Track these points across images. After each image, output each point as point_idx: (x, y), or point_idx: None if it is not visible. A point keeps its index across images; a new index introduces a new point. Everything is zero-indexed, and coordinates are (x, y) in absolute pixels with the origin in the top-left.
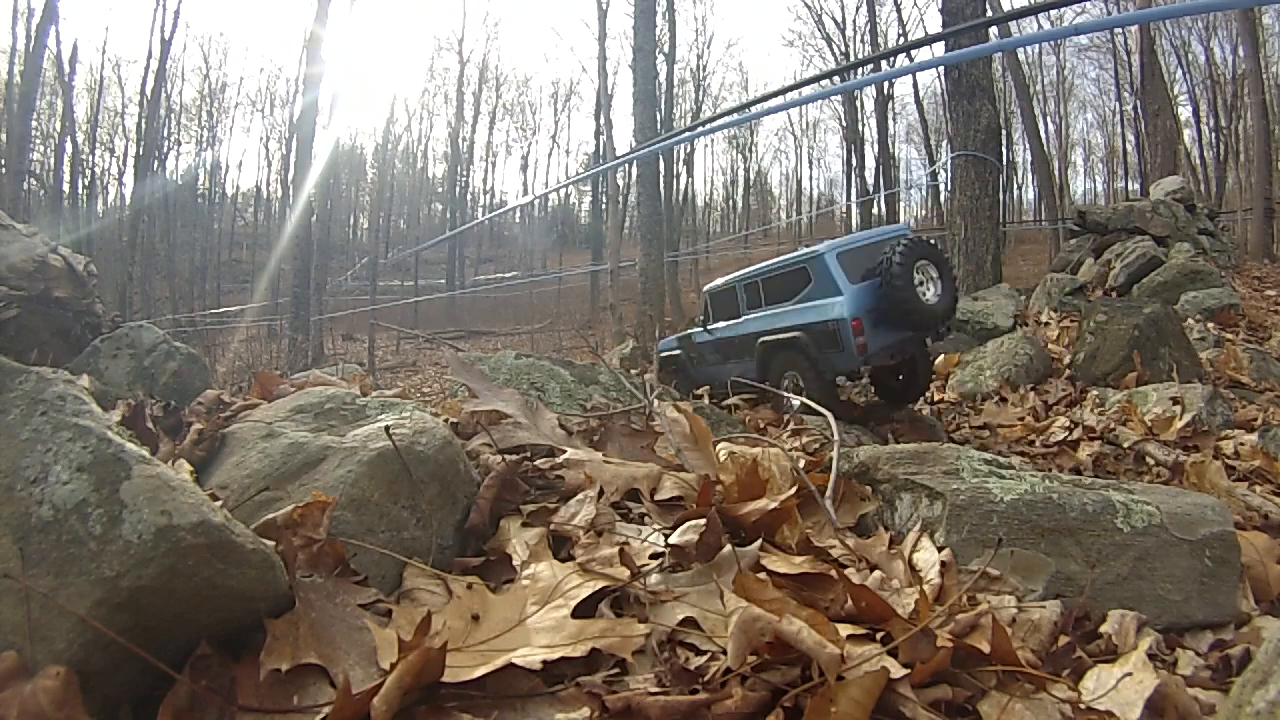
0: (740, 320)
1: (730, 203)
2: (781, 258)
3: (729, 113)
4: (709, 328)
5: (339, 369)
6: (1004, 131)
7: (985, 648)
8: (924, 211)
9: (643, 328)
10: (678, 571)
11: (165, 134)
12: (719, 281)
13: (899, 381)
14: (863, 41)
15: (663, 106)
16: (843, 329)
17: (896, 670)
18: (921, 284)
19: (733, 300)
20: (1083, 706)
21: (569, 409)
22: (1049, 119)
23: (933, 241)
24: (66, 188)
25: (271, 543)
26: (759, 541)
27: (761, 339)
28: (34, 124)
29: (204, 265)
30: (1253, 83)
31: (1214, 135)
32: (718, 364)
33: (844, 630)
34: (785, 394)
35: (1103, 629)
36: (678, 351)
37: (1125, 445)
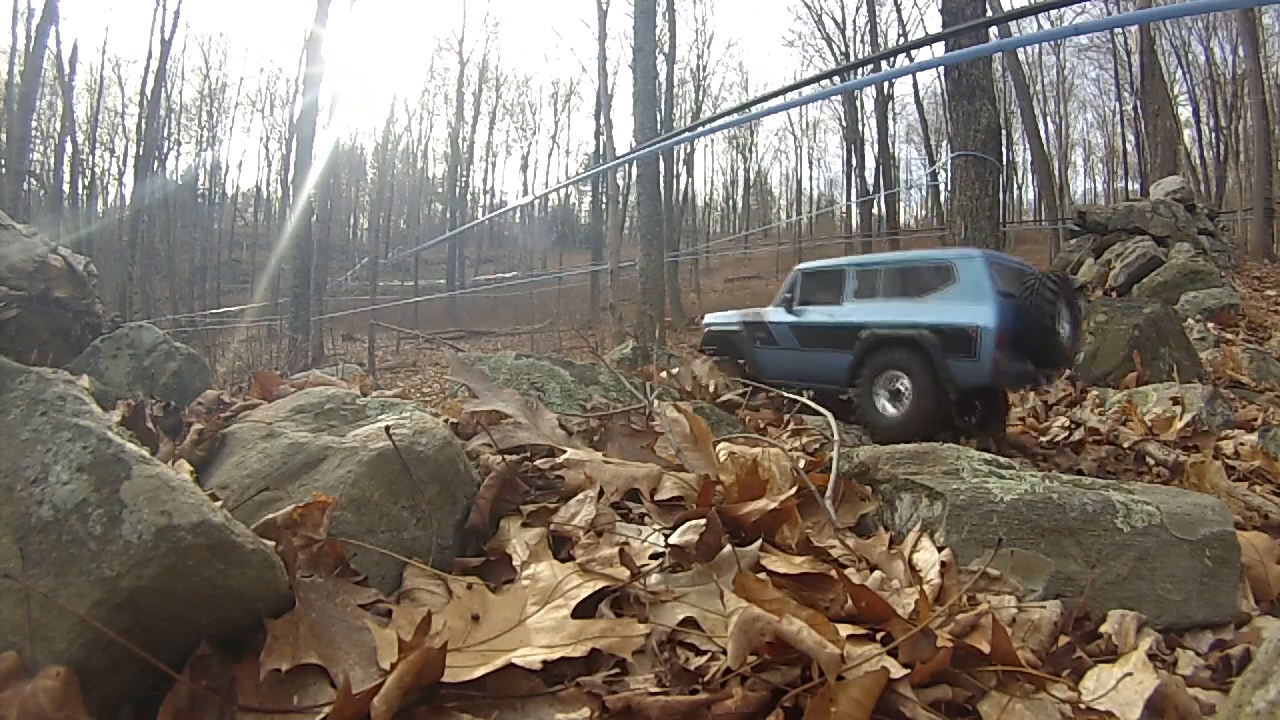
0: (842, 307)
1: (730, 203)
2: (920, 252)
3: (729, 113)
4: (795, 309)
5: (339, 369)
6: (1004, 131)
7: (985, 648)
8: (924, 211)
9: (643, 328)
10: (678, 571)
11: (165, 134)
12: (820, 262)
13: (976, 410)
14: (863, 41)
15: (663, 106)
16: (983, 337)
17: (896, 670)
18: (1059, 317)
19: (837, 285)
20: (1083, 706)
21: (569, 409)
22: (1049, 119)
23: (1069, 278)
24: (66, 188)
25: (271, 543)
26: (759, 541)
27: (868, 330)
28: (34, 124)
29: (204, 265)
30: (1253, 83)
31: (1214, 135)
32: (793, 351)
33: (844, 630)
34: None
35: (1103, 629)
36: (736, 329)
37: (1125, 445)
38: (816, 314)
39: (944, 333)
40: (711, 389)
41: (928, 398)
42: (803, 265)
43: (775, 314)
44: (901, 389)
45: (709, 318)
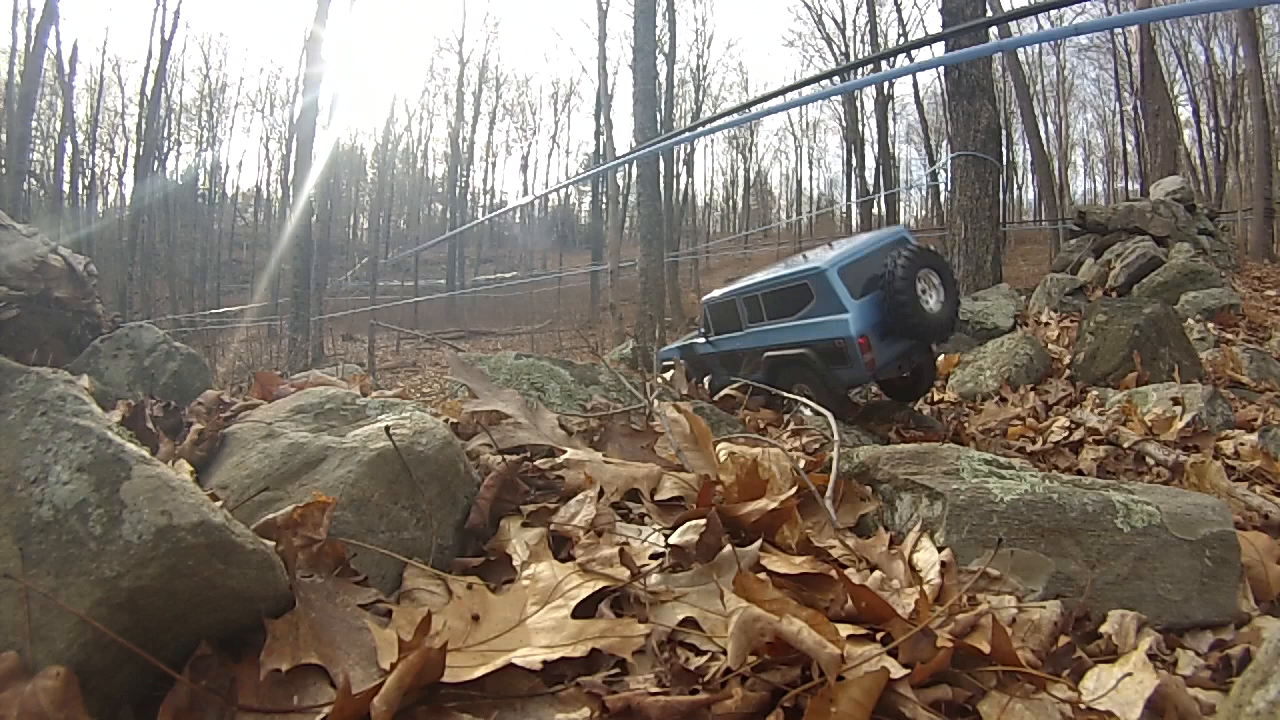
0: (742, 333)
1: (730, 203)
2: (780, 272)
3: (729, 113)
4: (710, 339)
5: (339, 369)
6: (1004, 131)
7: (985, 648)
8: (924, 211)
9: (643, 328)
10: (678, 571)
11: (165, 134)
12: (716, 293)
13: (904, 381)
14: (863, 41)
15: (663, 106)
16: (850, 347)
17: (896, 670)
18: (925, 293)
19: (733, 313)
20: (1083, 706)
21: (569, 409)
22: (1049, 119)
23: (933, 248)
24: (66, 188)
25: (271, 543)
26: (759, 541)
27: (767, 354)
28: (34, 124)
29: (204, 265)
30: (1253, 83)
31: (1214, 135)
32: (722, 375)
33: (844, 630)
34: (796, 398)
35: (1103, 629)
36: (678, 358)
37: (1125, 445)
38: (726, 341)
39: (819, 348)
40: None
41: (831, 399)
42: (705, 297)
43: (701, 344)
44: (810, 396)
45: (663, 351)
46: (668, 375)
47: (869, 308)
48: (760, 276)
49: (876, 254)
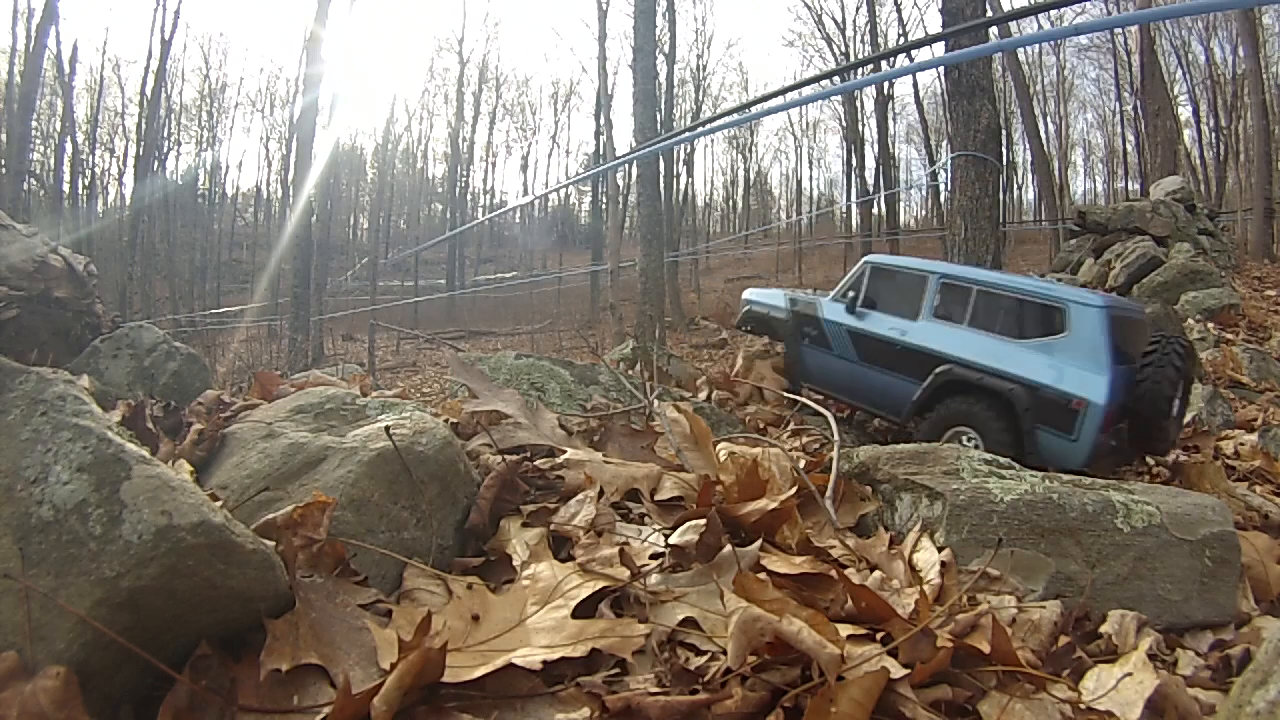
0: (917, 324)
1: (730, 203)
2: (1028, 279)
3: (729, 113)
4: (857, 310)
5: (339, 369)
6: (1004, 131)
7: (985, 648)
8: (924, 211)
9: (643, 328)
10: (678, 571)
11: (165, 134)
12: (898, 259)
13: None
14: (863, 41)
15: (663, 106)
16: (1089, 413)
17: (896, 670)
18: (1177, 399)
19: (915, 293)
20: (1083, 706)
21: (569, 409)
22: (1049, 119)
23: (1193, 348)
24: (66, 188)
25: (271, 543)
26: (759, 542)
27: (946, 367)
28: (34, 124)
29: (204, 265)
30: (1253, 83)
31: (1214, 135)
32: (847, 362)
33: (844, 630)
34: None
35: (1103, 629)
36: (782, 314)
37: None
38: (884, 325)
39: (1041, 394)
40: (747, 390)
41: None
42: (873, 258)
43: (832, 310)
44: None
45: (749, 293)
46: (747, 356)
47: (1122, 380)
48: (981, 272)
49: (1134, 322)
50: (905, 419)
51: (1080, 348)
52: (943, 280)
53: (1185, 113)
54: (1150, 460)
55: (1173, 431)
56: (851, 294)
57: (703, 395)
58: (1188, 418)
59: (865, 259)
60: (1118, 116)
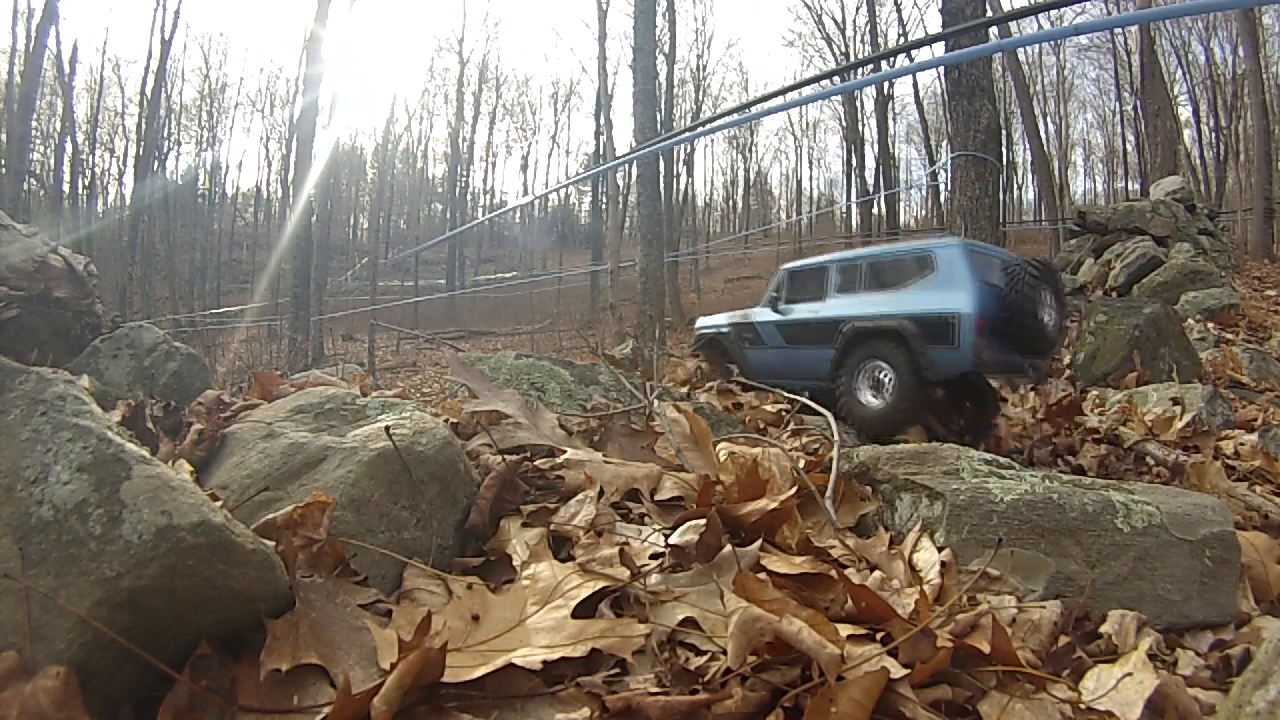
0: (824, 303)
1: (730, 203)
2: (897, 246)
3: (729, 113)
4: (780, 308)
5: (339, 369)
6: (1004, 131)
7: (985, 648)
8: (924, 211)
9: (643, 328)
10: (678, 571)
11: (165, 134)
12: (804, 261)
13: (966, 409)
14: (863, 41)
15: (663, 106)
16: (963, 323)
17: (896, 670)
18: (1042, 309)
19: (820, 282)
20: (1083, 706)
21: (569, 409)
22: (1049, 119)
23: (1054, 266)
24: (66, 188)
25: (271, 543)
26: (759, 541)
27: (850, 324)
28: (34, 124)
29: (204, 265)
30: (1253, 83)
31: (1214, 135)
32: (779, 349)
33: (844, 630)
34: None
35: (1103, 629)
36: (725, 330)
37: (1125, 445)
38: (801, 311)
39: (923, 321)
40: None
41: (910, 387)
42: (788, 265)
43: (762, 314)
44: (884, 380)
45: (700, 321)
46: (688, 363)
47: (990, 298)
48: (865, 250)
49: (998, 258)
50: (830, 378)
51: (948, 278)
52: (839, 265)
53: (1185, 113)
54: (1033, 368)
55: (1050, 335)
56: (774, 296)
57: (702, 395)
58: (1186, 418)
59: (782, 268)
60: (1118, 116)
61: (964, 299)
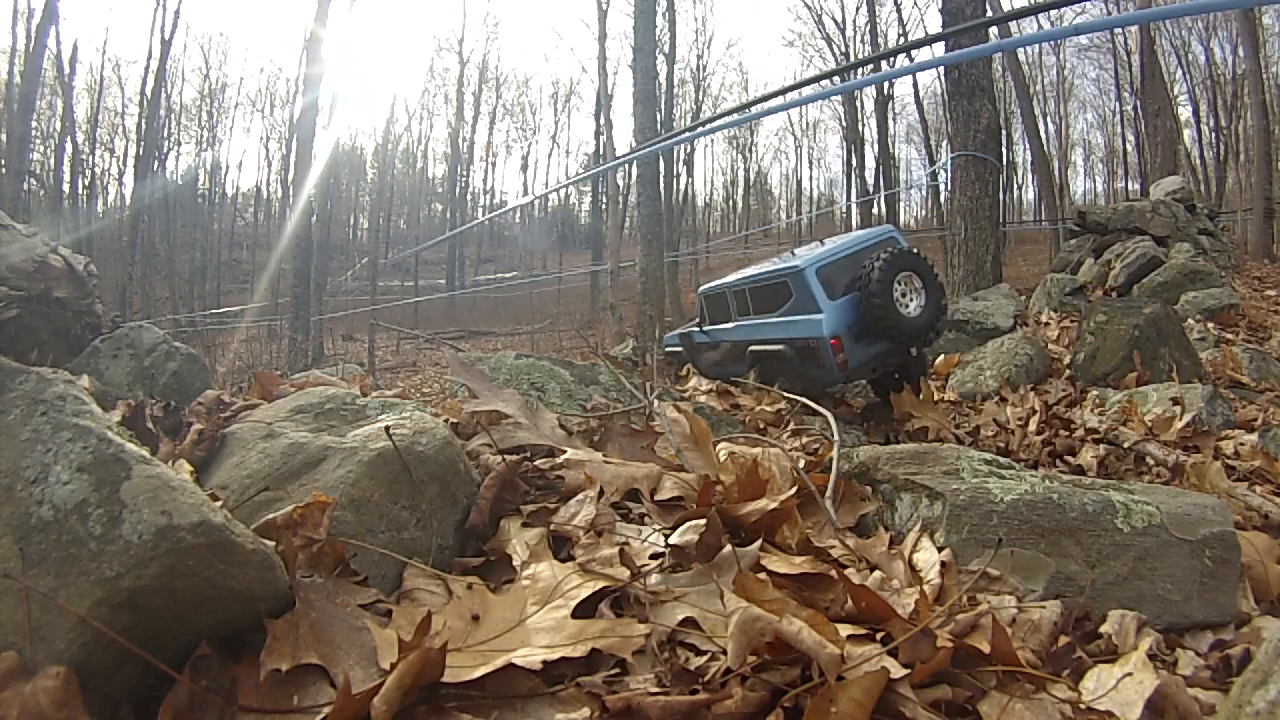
0: (731, 326)
1: (730, 203)
2: (763, 268)
3: (729, 113)
4: (704, 329)
5: (339, 369)
6: (1004, 131)
7: (985, 648)
8: (924, 211)
9: (643, 328)
10: (678, 571)
11: (165, 134)
12: (712, 284)
13: (894, 383)
14: (863, 41)
15: (663, 106)
16: (822, 347)
17: (896, 670)
18: (904, 296)
19: (724, 305)
20: (1083, 706)
21: (569, 409)
22: (1049, 119)
23: (915, 250)
24: (66, 188)
25: (271, 543)
26: (759, 541)
27: (751, 347)
28: (34, 124)
29: (204, 265)
30: (1253, 83)
31: (1214, 135)
32: (715, 364)
33: (844, 630)
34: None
35: (1103, 629)
36: (679, 348)
37: (1125, 445)
38: (717, 333)
39: (795, 346)
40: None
41: (810, 392)
42: (702, 288)
43: (697, 335)
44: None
45: (667, 338)
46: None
47: (845, 309)
48: (748, 271)
49: (860, 253)
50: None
51: (804, 303)
52: (731, 290)
53: (1185, 113)
54: (912, 351)
55: (916, 324)
56: (699, 320)
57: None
58: (1186, 418)
59: (698, 290)
60: (1118, 116)
61: (817, 323)
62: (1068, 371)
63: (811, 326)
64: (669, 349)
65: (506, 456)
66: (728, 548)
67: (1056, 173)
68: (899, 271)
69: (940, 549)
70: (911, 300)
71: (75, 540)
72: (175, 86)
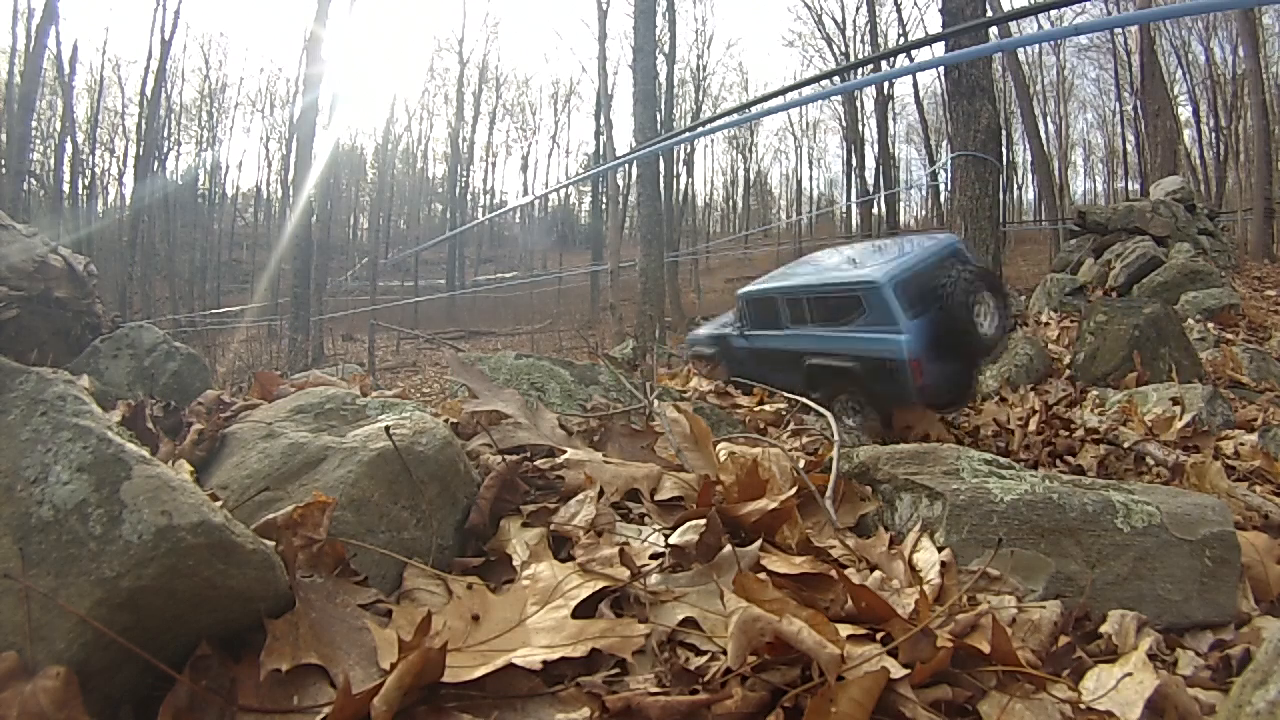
0: (783, 334)
1: (730, 203)
2: (829, 276)
3: (729, 113)
4: (747, 334)
5: (339, 369)
6: (1004, 131)
7: (985, 648)
8: (924, 211)
9: (643, 328)
10: (678, 571)
11: (165, 134)
12: (754, 287)
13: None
14: (863, 41)
15: (663, 106)
16: (901, 370)
17: (896, 670)
18: (981, 315)
19: (773, 311)
20: (1083, 707)
21: (569, 409)
22: (1049, 119)
23: (988, 266)
24: (66, 188)
25: (271, 543)
26: (759, 541)
27: (810, 360)
28: (34, 124)
29: (204, 265)
30: (1253, 83)
31: (1214, 135)
32: (757, 372)
33: (844, 630)
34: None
35: (1103, 629)
36: (712, 350)
37: (1125, 445)
38: (764, 339)
39: (869, 364)
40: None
41: (878, 408)
42: (743, 291)
43: (735, 339)
44: (855, 405)
45: (693, 338)
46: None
47: (923, 328)
48: (806, 277)
49: (933, 267)
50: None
51: (880, 319)
52: (784, 296)
53: (1185, 113)
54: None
55: (992, 340)
56: (740, 324)
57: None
58: (1186, 418)
59: (738, 294)
60: (1118, 116)
61: (898, 343)
62: (1068, 371)
63: (890, 346)
64: (696, 350)
65: (506, 456)
66: (728, 548)
67: (1056, 173)
68: (980, 291)
69: (940, 549)
70: (987, 318)
71: (75, 540)
72: (175, 86)
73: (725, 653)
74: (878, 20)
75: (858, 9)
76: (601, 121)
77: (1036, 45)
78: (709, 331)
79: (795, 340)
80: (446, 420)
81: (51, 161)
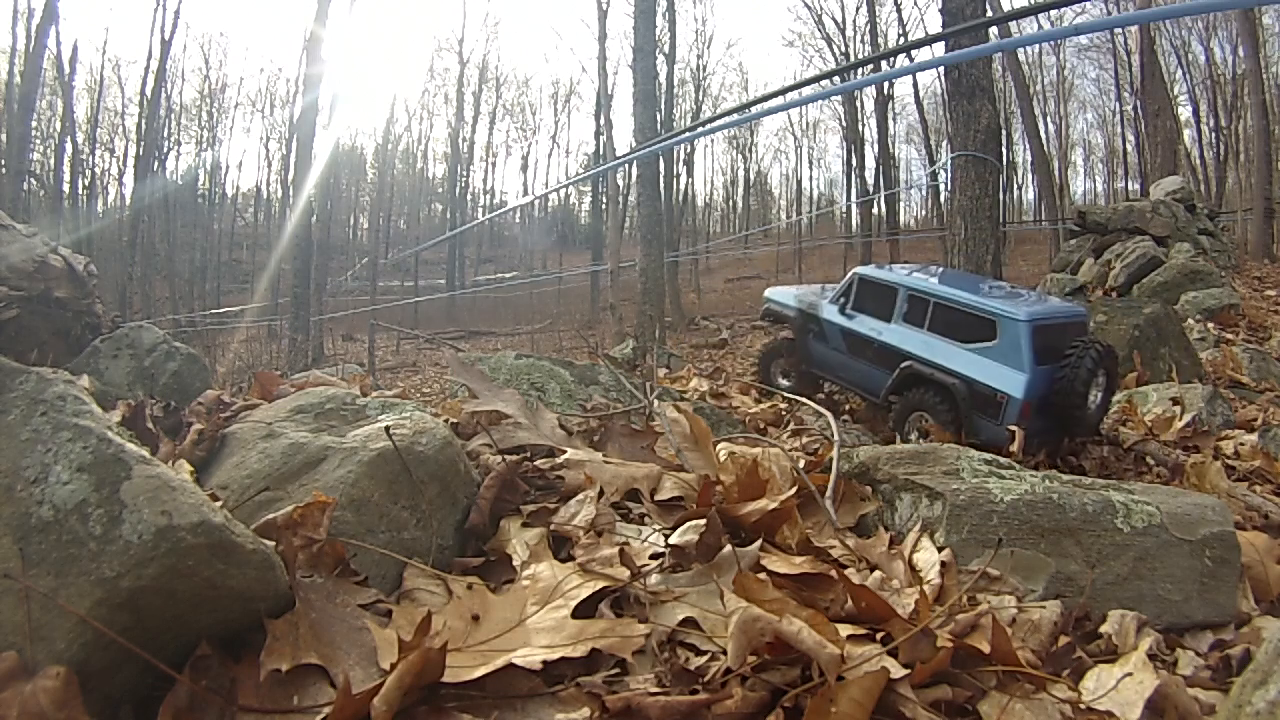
0: (890, 327)
1: (730, 203)
2: (971, 294)
3: (729, 113)
4: (847, 311)
5: (339, 369)
6: (1004, 131)
7: (985, 648)
8: (924, 211)
9: (643, 328)
10: (678, 572)
11: (165, 134)
12: (882, 273)
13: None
14: (863, 41)
15: (663, 106)
16: (1009, 405)
17: (896, 670)
18: (1093, 391)
19: (888, 301)
20: (1083, 706)
21: (569, 409)
22: (1049, 119)
23: (1114, 350)
24: (66, 188)
25: (271, 543)
26: (759, 542)
27: (908, 362)
28: (34, 124)
29: (204, 265)
30: (1253, 83)
31: (1214, 135)
32: (839, 354)
33: (844, 630)
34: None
35: (1103, 629)
36: (792, 314)
37: (1125, 445)
38: (866, 325)
39: (975, 388)
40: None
41: (955, 432)
42: (860, 270)
43: (829, 311)
44: (924, 425)
45: (771, 292)
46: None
47: (1043, 377)
48: (939, 283)
49: (1061, 327)
50: (881, 399)
51: (1007, 352)
52: (909, 293)
53: (1185, 113)
54: (1074, 439)
55: (1093, 418)
56: (843, 299)
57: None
58: (1186, 418)
59: (855, 271)
60: (1118, 116)
61: (1018, 380)
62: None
63: (1009, 380)
64: (771, 305)
65: (506, 456)
66: (728, 548)
67: (1056, 173)
68: (1101, 368)
69: (940, 549)
70: (1095, 394)
71: (75, 540)
72: (175, 86)
73: (725, 653)
74: (878, 20)
75: (858, 9)
76: (601, 121)
77: (1036, 45)
78: (795, 292)
79: (903, 337)
80: (446, 420)
81: (51, 161)
